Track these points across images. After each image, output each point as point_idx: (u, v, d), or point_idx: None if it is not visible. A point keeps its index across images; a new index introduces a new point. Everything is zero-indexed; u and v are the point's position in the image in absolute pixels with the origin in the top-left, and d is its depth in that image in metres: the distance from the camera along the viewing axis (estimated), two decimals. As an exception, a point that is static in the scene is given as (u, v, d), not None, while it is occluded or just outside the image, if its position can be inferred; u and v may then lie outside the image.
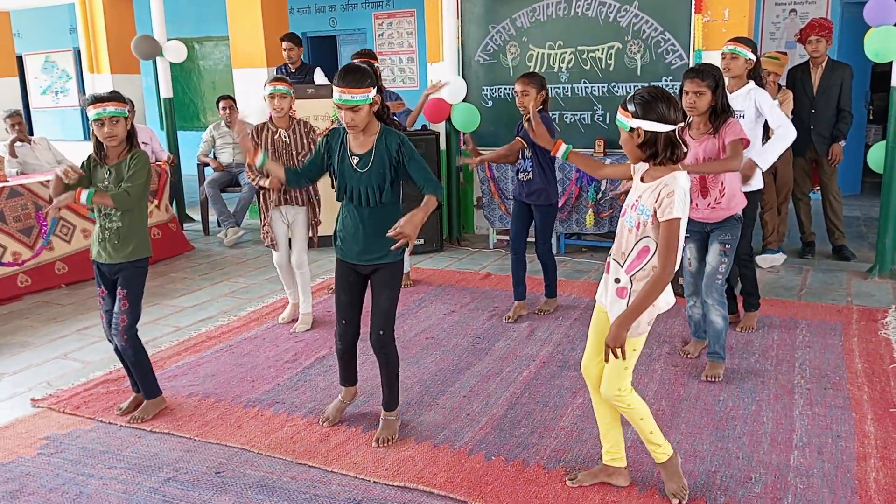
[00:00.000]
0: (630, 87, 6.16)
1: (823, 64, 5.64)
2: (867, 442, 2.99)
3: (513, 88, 6.52)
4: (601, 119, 6.35)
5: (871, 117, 8.61)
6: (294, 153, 4.41)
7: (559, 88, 6.45)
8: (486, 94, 6.76)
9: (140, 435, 3.27)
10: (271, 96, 4.35)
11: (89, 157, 3.30)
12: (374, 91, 2.83)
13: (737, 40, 4.03)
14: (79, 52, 9.58)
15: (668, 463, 2.63)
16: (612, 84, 6.24)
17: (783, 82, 5.87)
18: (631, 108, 2.35)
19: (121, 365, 3.55)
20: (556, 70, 6.42)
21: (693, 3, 5.75)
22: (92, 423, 3.40)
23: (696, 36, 5.78)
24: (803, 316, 4.49)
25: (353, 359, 3.28)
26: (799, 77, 5.75)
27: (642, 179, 2.50)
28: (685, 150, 2.45)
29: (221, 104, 7.35)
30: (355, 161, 2.95)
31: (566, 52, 6.37)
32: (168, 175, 6.74)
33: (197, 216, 7.83)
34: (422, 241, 6.40)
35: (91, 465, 3.01)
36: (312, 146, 4.47)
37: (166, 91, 7.88)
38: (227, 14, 7.83)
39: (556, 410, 3.36)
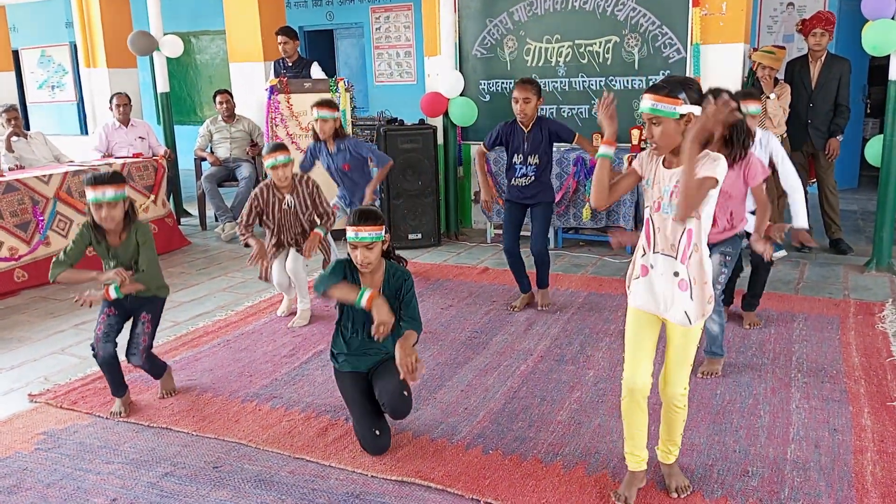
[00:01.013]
0: (628, 80, 6.16)
1: (822, 58, 5.63)
2: (864, 435, 2.99)
3: (511, 83, 6.56)
4: (599, 113, 6.33)
5: (869, 111, 8.61)
6: (301, 216, 4.46)
7: (556, 82, 6.44)
8: (483, 88, 6.75)
9: (137, 430, 3.27)
10: (274, 168, 4.31)
11: (88, 226, 3.28)
12: (384, 230, 2.93)
13: (746, 96, 3.86)
14: (75, 46, 9.57)
15: (674, 463, 2.66)
16: (610, 78, 6.23)
17: (781, 76, 5.86)
18: (682, 94, 2.28)
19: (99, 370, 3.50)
20: (553, 64, 6.41)
21: (691, -4, 5.75)
22: (89, 418, 3.40)
23: (693, 30, 5.77)
24: (801, 310, 4.49)
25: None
26: (797, 70, 5.74)
27: (666, 165, 2.42)
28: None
29: (218, 98, 7.33)
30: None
31: (563, 46, 6.36)
32: (165, 170, 6.73)
33: (194, 211, 7.82)
34: (419, 236, 6.41)
35: (88, 460, 3.01)
36: (318, 203, 4.46)
37: (163, 85, 7.86)
38: (223, 8, 7.81)
39: (554, 404, 3.36)
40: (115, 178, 3.18)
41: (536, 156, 4.44)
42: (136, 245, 3.31)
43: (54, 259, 3.30)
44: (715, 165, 2.31)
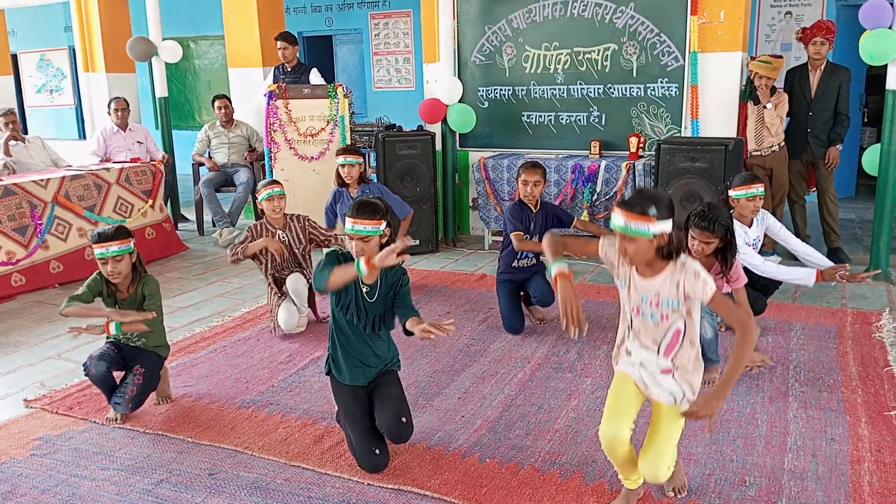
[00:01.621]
0: (626, 88, 6.17)
1: (822, 66, 5.65)
2: (861, 445, 2.99)
3: (510, 89, 6.57)
4: (597, 120, 6.35)
5: (866, 120, 8.63)
6: (294, 250, 4.55)
7: (555, 90, 6.45)
8: (481, 95, 6.76)
9: (133, 436, 3.25)
10: (269, 199, 4.42)
11: (100, 278, 3.34)
12: (384, 224, 2.91)
13: (745, 183, 3.92)
14: (74, 50, 9.57)
15: (677, 461, 2.64)
16: (608, 85, 6.25)
17: (781, 84, 5.88)
18: (652, 211, 2.22)
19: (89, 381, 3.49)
20: (551, 71, 6.43)
21: (689, 4, 5.76)
22: (85, 423, 3.38)
23: (691, 37, 5.79)
24: (798, 318, 4.49)
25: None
26: (797, 79, 5.76)
27: (643, 275, 2.38)
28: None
29: (217, 104, 7.33)
30: (365, 290, 3.01)
31: (562, 54, 6.37)
32: (163, 175, 6.73)
33: (192, 216, 7.81)
34: (417, 242, 6.40)
35: (84, 467, 3.00)
36: (315, 234, 4.54)
37: (161, 90, 7.86)
38: (222, 13, 7.82)
39: (551, 413, 3.35)
40: (119, 234, 3.27)
41: (538, 237, 4.41)
42: (143, 299, 3.38)
43: (70, 295, 3.34)
44: (703, 285, 2.28)
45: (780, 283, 4.10)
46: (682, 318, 2.36)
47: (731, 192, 3.94)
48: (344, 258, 2.99)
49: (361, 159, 5.06)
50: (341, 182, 5.09)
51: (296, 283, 4.47)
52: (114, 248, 3.23)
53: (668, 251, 2.30)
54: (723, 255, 3.34)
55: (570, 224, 4.52)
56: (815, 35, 5.54)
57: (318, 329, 4.53)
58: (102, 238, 3.24)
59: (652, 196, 2.27)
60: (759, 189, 3.91)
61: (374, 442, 2.91)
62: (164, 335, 3.54)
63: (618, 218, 2.28)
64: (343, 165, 5.01)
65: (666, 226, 2.24)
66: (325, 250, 3.11)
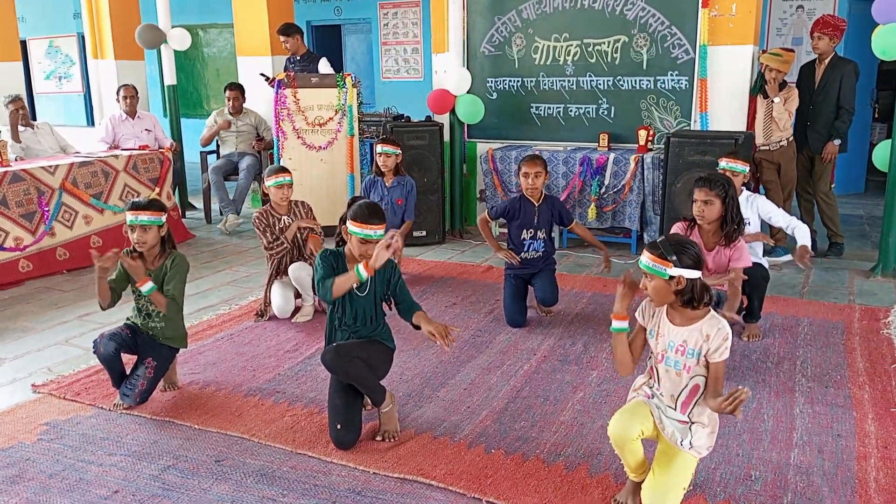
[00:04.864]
0: (636, 80, 6.14)
1: (828, 61, 5.62)
2: (868, 441, 2.98)
3: (518, 80, 6.55)
4: (606, 113, 6.32)
5: (877, 115, 8.57)
6: (297, 235, 4.57)
7: (564, 81, 6.43)
8: (490, 86, 6.74)
9: (140, 422, 3.27)
10: (279, 187, 4.47)
11: (128, 251, 3.41)
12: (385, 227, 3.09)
13: (731, 155, 4.21)
14: (83, 37, 9.58)
15: None
16: (618, 78, 6.22)
17: (794, 79, 5.85)
18: (672, 257, 2.35)
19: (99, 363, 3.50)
20: (561, 63, 6.40)
21: (700, -3, 5.73)
22: (92, 409, 3.40)
23: (702, 30, 5.75)
24: (805, 314, 4.48)
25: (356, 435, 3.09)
26: (805, 74, 5.74)
27: (673, 322, 2.47)
28: (713, 292, 2.50)
29: (227, 94, 7.30)
30: (356, 286, 3.08)
31: (572, 45, 6.34)
32: (171, 163, 6.73)
33: (199, 204, 7.82)
34: (423, 234, 6.40)
35: (91, 452, 3.01)
36: (313, 224, 4.59)
37: (170, 78, 7.86)
38: (231, 2, 7.80)
39: (557, 404, 3.35)
40: (151, 205, 3.35)
41: (545, 231, 4.41)
42: (167, 272, 3.41)
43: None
44: (724, 349, 2.40)
45: (766, 278, 4.10)
46: (703, 375, 2.44)
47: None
48: (334, 258, 3.11)
49: (399, 150, 5.09)
50: (378, 171, 5.14)
51: (298, 271, 4.47)
52: (143, 216, 3.29)
53: (689, 298, 2.41)
54: (725, 222, 3.54)
55: (568, 225, 4.54)
56: (814, 30, 5.56)
57: (324, 319, 4.51)
58: (135, 206, 3.32)
59: (677, 241, 2.42)
60: (733, 165, 4.10)
61: (338, 418, 3.01)
62: (180, 323, 3.52)
63: (643, 257, 2.44)
64: (380, 154, 5.08)
65: (686, 273, 2.36)
66: (319, 253, 3.18)
